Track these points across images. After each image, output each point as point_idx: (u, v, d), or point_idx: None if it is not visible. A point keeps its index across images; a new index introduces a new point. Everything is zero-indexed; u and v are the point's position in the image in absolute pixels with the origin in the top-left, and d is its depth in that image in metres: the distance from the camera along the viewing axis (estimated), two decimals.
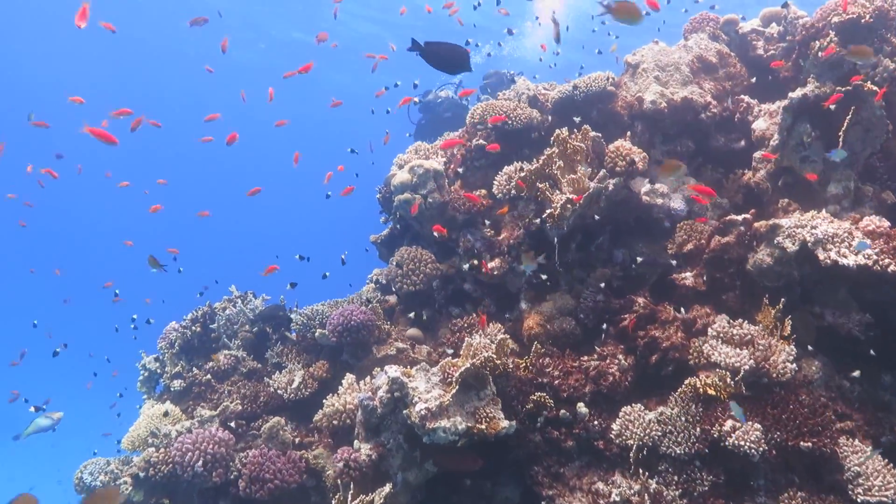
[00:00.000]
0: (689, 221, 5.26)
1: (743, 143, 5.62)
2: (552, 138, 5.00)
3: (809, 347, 4.40)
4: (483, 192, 5.70)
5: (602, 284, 5.13)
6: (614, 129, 5.63)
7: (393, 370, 4.36)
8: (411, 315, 5.57)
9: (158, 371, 6.18)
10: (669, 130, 5.63)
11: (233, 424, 5.37)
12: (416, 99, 10.17)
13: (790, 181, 5.04)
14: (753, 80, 5.85)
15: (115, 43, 22.69)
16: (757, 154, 5.24)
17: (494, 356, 4.38)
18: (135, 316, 6.64)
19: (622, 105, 5.67)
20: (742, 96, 5.64)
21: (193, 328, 6.13)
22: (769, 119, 5.34)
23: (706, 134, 5.64)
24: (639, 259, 5.21)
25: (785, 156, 4.95)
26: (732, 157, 5.61)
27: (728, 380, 4.21)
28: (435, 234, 5.38)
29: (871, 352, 4.31)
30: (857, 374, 4.32)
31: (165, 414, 5.56)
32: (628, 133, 5.53)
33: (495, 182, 5.41)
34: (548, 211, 4.83)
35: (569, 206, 4.76)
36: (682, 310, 4.84)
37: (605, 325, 4.92)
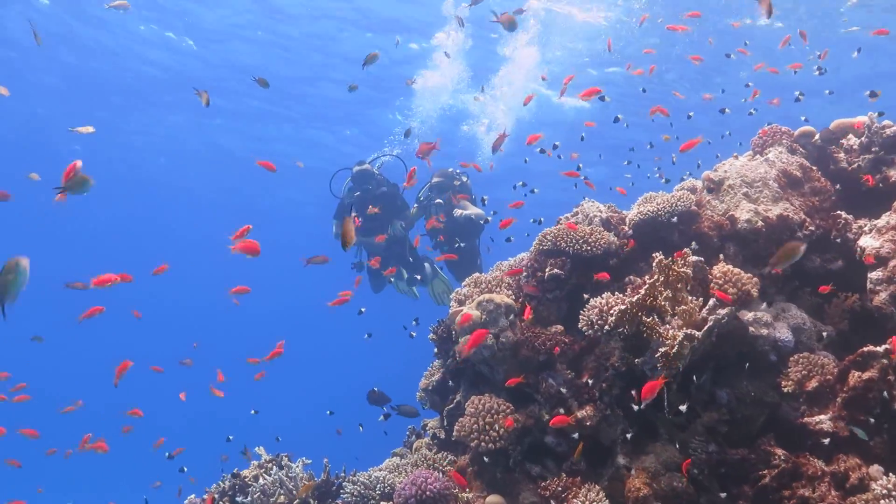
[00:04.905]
0: (805, 354, 4.60)
1: (840, 262, 5.05)
2: (654, 264, 4.35)
3: None
4: (560, 328, 4.99)
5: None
6: (701, 251, 5.03)
7: None
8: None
9: None
10: (762, 252, 5.05)
11: None
12: (355, 168, 9.14)
13: None
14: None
15: None
16: (875, 274, 4.65)
17: None
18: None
19: (709, 225, 5.09)
20: (839, 212, 5.11)
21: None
22: (879, 235, 4.79)
23: None
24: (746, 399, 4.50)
25: None
26: (827, 279, 5.01)
27: None
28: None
29: None
30: None
31: None
32: (721, 256, 4.92)
33: (582, 317, 4.69)
34: (661, 350, 4.11)
35: (686, 342, 4.06)
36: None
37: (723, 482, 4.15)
